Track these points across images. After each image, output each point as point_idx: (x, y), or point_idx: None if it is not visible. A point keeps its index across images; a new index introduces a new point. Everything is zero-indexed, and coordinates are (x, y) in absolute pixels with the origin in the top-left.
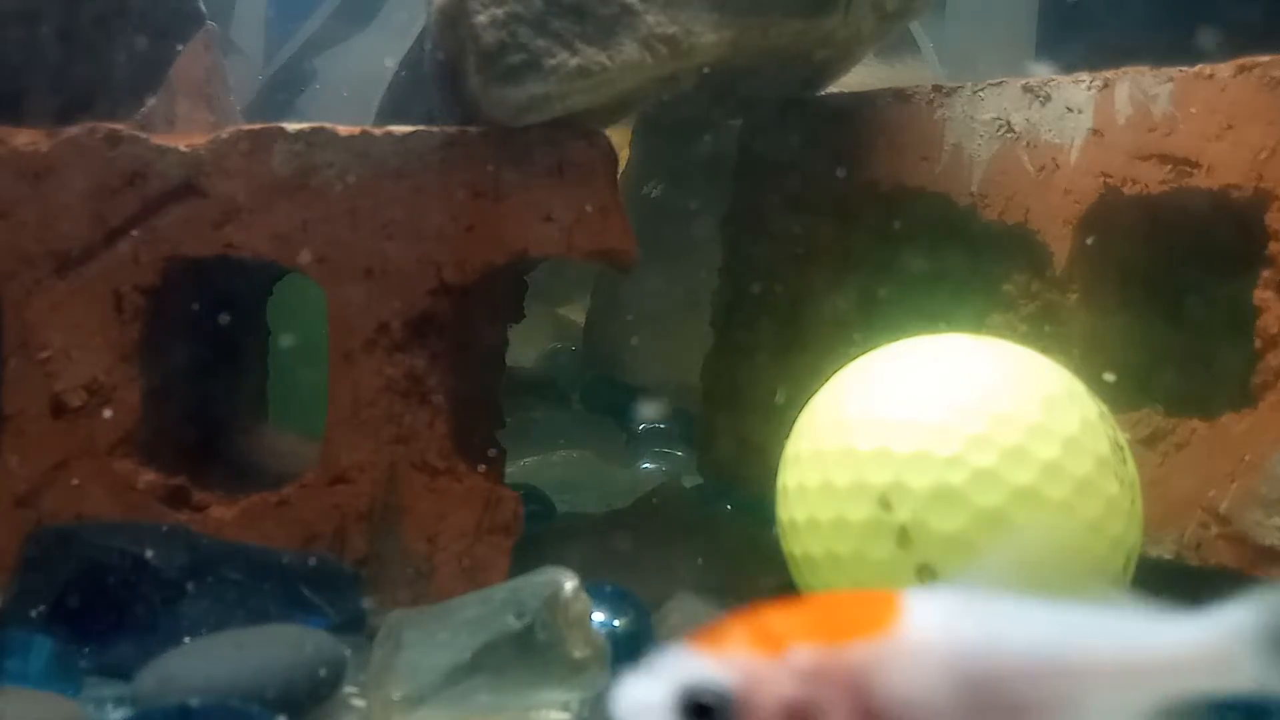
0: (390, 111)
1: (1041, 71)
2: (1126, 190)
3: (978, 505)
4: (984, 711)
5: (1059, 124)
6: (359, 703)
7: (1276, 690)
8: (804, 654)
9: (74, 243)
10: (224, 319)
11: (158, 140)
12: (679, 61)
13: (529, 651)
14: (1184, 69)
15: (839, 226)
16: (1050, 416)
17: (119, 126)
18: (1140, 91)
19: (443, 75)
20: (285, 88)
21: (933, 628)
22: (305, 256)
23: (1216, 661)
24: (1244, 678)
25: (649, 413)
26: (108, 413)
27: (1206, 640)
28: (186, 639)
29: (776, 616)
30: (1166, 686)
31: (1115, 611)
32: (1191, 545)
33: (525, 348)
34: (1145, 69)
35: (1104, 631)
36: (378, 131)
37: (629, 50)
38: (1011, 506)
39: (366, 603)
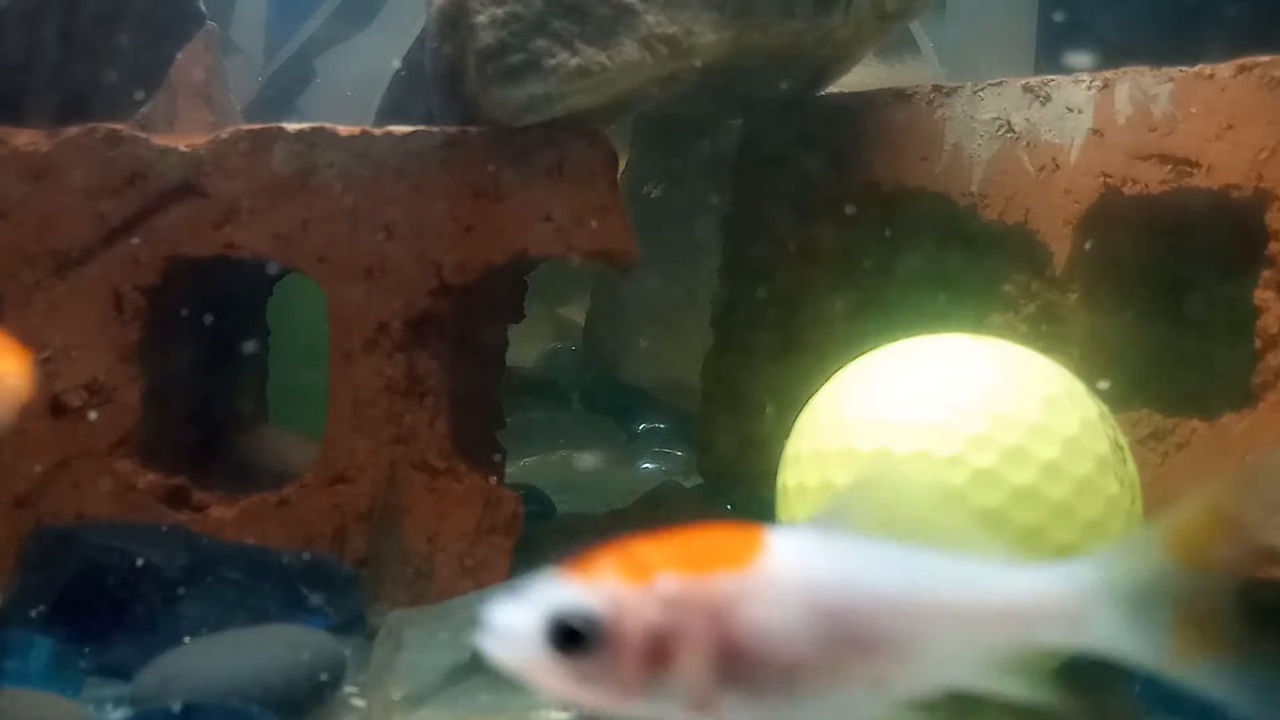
0: (390, 111)
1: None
2: (1126, 190)
3: (978, 505)
4: (836, 645)
5: (1059, 124)
6: (359, 703)
7: (1119, 650)
8: (669, 582)
9: (74, 243)
10: (224, 319)
11: (158, 140)
12: (679, 61)
13: None
14: (1184, 69)
15: (839, 226)
16: (1050, 416)
17: (119, 126)
18: (1140, 91)
19: (443, 75)
20: (285, 88)
21: (792, 563)
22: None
23: (1064, 616)
24: (1091, 635)
25: (649, 413)
26: (108, 413)
27: (1055, 593)
28: (186, 639)
29: (645, 547)
30: (1013, 636)
31: (969, 559)
32: None
33: (525, 348)
34: (1145, 69)
35: (955, 576)
36: (378, 131)
37: (629, 50)
38: (1011, 506)
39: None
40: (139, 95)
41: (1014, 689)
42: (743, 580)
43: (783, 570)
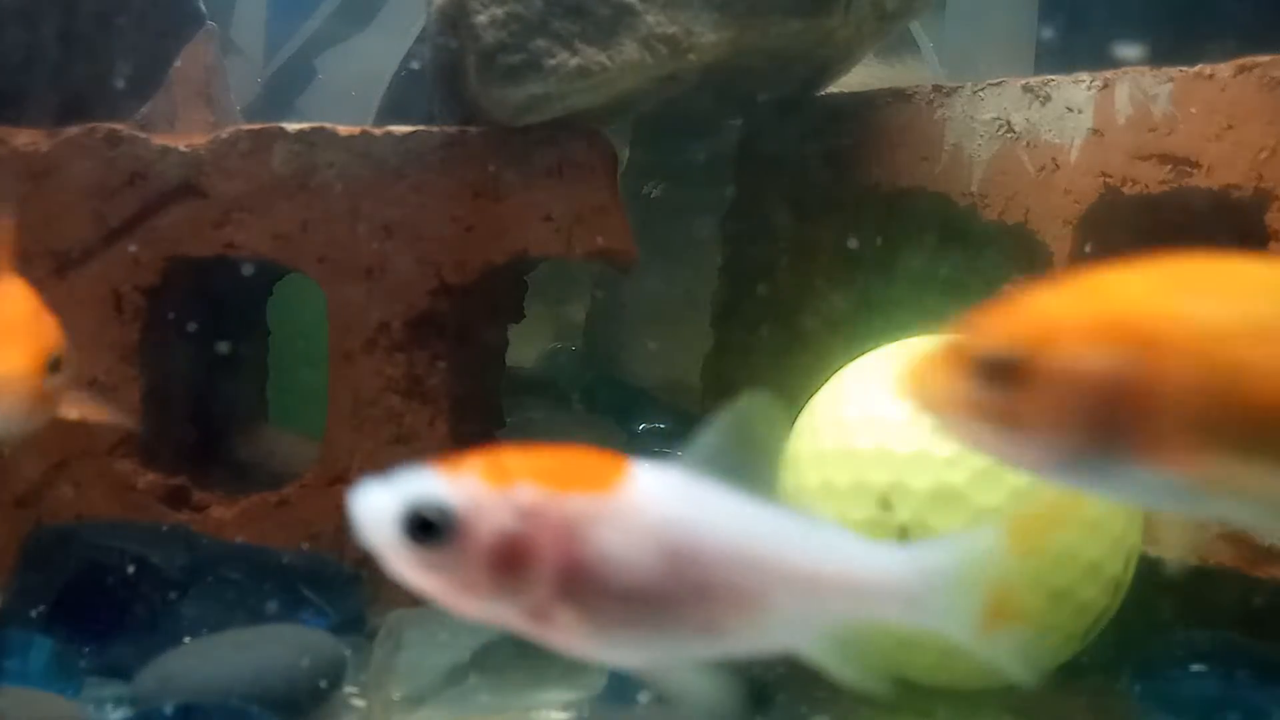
0: (390, 111)
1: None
2: (1126, 190)
3: (978, 505)
4: (677, 582)
5: (1059, 124)
6: (359, 703)
7: (939, 627)
8: (528, 493)
9: (74, 243)
10: (224, 319)
11: (158, 140)
12: (679, 61)
13: (529, 651)
14: (1184, 69)
15: (839, 226)
16: None
17: (119, 126)
18: (1140, 91)
19: (443, 75)
20: (285, 88)
21: (649, 496)
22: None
23: (904, 595)
24: (929, 617)
25: (649, 413)
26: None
27: (898, 572)
28: (186, 639)
29: (513, 457)
30: (850, 608)
31: (824, 528)
32: (1192, 545)
33: (525, 348)
34: (1145, 69)
35: (805, 541)
36: (378, 131)
37: (629, 50)
38: (1011, 506)
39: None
40: (139, 95)
41: (840, 666)
42: (598, 503)
43: (638, 501)
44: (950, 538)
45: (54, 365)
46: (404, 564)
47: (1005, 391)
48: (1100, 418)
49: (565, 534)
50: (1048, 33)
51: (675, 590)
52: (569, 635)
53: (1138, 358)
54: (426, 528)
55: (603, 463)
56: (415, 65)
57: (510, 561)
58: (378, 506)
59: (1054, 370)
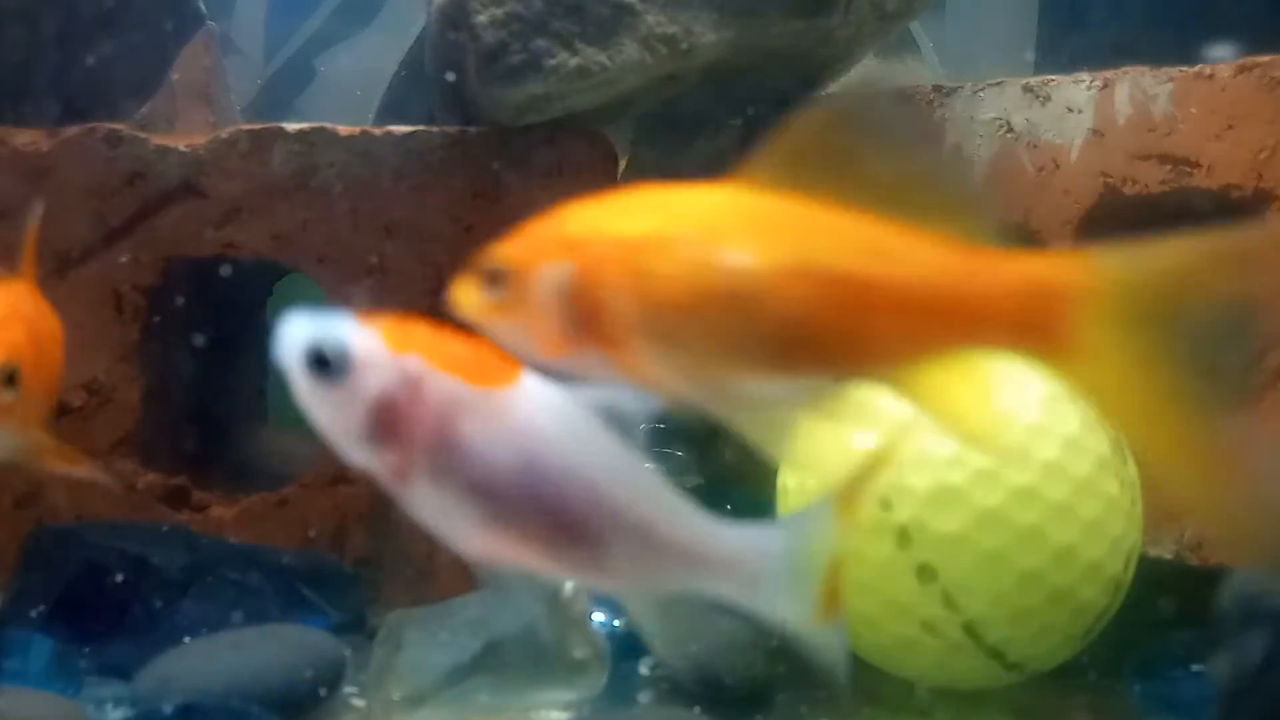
0: (390, 111)
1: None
2: (1126, 190)
3: (978, 505)
4: (521, 490)
5: (1059, 124)
6: (359, 703)
7: (771, 613)
8: (416, 364)
9: (74, 243)
10: (224, 319)
11: (158, 140)
12: (679, 61)
13: (529, 651)
14: (1184, 69)
15: None
16: (1050, 416)
17: (119, 126)
18: (1140, 91)
19: (443, 75)
20: (285, 88)
21: (524, 404)
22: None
23: (742, 575)
24: (756, 599)
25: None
26: (108, 413)
27: (737, 550)
28: (186, 639)
29: (421, 329)
30: (687, 578)
31: (681, 500)
32: (1191, 545)
33: None
34: (1145, 69)
35: (656, 499)
36: (378, 131)
37: (629, 50)
38: (1011, 506)
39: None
40: (139, 95)
41: (657, 632)
42: (474, 394)
43: (512, 404)
44: (787, 520)
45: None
46: (302, 391)
47: (503, 297)
48: (564, 316)
49: (435, 411)
50: (1047, 33)
51: (518, 497)
52: (420, 506)
53: (579, 267)
54: (323, 363)
55: (501, 365)
56: (415, 66)
57: (383, 418)
58: (295, 334)
59: (526, 279)
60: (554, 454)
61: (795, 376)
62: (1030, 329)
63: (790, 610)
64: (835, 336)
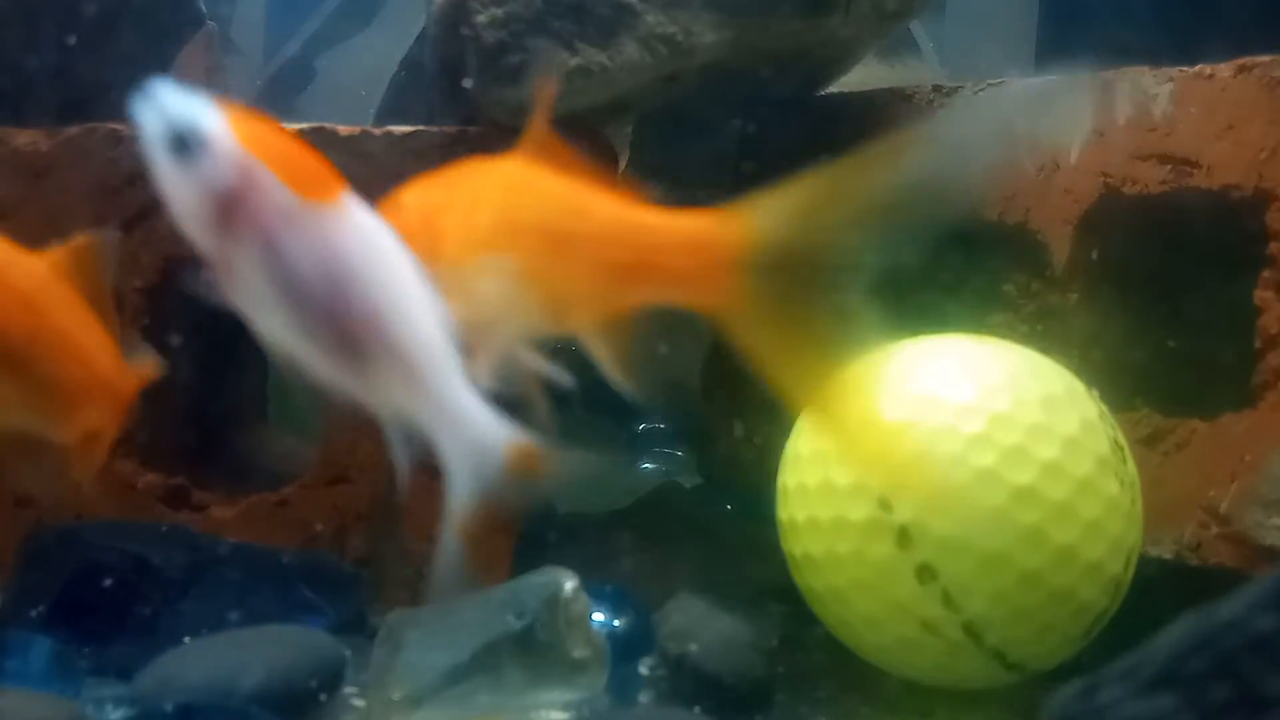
0: (390, 111)
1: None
2: (1126, 190)
3: (978, 505)
4: (325, 305)
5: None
6: (359, 703)
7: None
8: (259, 169)
9: None
10: (224, 319)
11: None
12: (679, 61)
13: (529, 651)
14: (1184, 69)
15: None
16: (1050, 416)
17: (119, 126)
18: (1140, 91)
19: (443, 75)
20: (285, 88)
21: (342, 226)
22: None
23: (461, 442)
24: (453, 479)
25: (649, 413)
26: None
27: (468, 424)
28: (186, 639)
29: (275, 134)
30: (427, 415)
31: (454, 352)
32: (1191, 545)
33: None
34: (1145, 69)
35: (430, 344)
36: (378, 131)
37: (629, 50)
38: (1011, 506)
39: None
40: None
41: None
42: (301, 207)
43: (332, 225)
44: (519, 430)
45: None
46: (156, 162)
47: None
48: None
49: (265, 214)
50: (1048, 33)
51: (315, 306)
52: (236, 297)
53: (394, 225)
54: (181, 146)
55: (329, 180)
56: (415, 66)
57: (220, 209)
58: (157, 111)
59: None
60: (353, 274)
61: (528, 320)
62: (694, 282)
63: (458, 503)
64: (549, 285)
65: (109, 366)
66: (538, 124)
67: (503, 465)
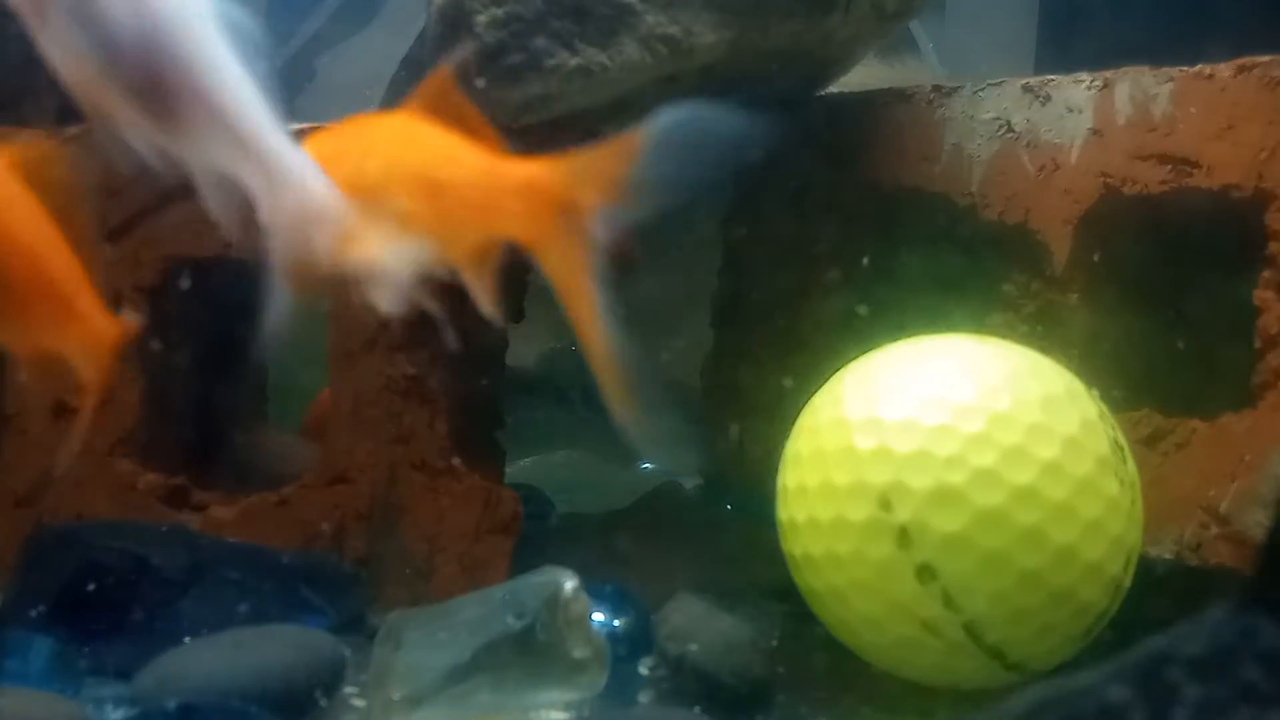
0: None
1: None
2: (1126, 190)
3: (978, 505)
4: (139, 57)
5: (1059, 124)
6: (359, 703)
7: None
8: None
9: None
10: (224, 319)
11: None
12: (679, 61)
13: (529, 651)
14: (1184, 69)
15: (839, 226)
16: (1050, 416)
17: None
18: (1140, 91)
19: None
20: (285, 87)
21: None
22: None
23: (274, 189)
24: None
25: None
26: (108, 413)
27: (279, 166)
28: (186, 639)
29: None
30: (243, 170)
31: (268, 109)
32: (1191, 545)
33: (525, 348)
34: (1145, 69)
35: (242, 97)
36: None
37: (629, 50)
38: (1011, 506)
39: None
40: None
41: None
42: None
43: None
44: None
45: None
46: None
47: None
48: None
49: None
50: (1048, 33)
51: (129, 57)
52: (48, 44)
53: None
54: None
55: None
56: (415, 66)
57: None
58: None
59: None
60: (169, 23)
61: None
62: (525, 221)
63: (279, 260)
64: (426, 222)
65: (84, 302)
66: (431, 80)
67: (325, 223)
